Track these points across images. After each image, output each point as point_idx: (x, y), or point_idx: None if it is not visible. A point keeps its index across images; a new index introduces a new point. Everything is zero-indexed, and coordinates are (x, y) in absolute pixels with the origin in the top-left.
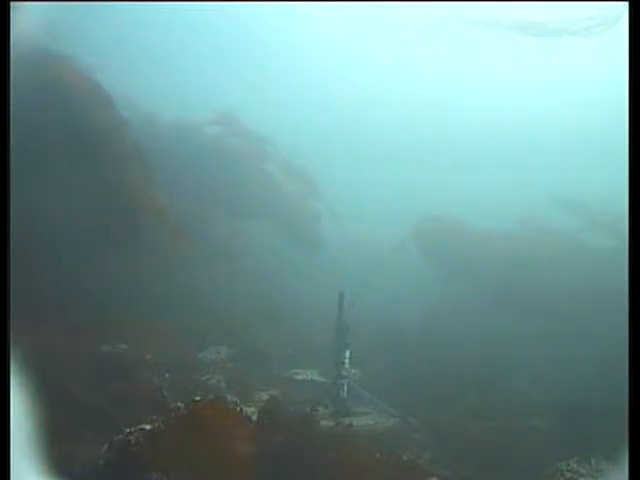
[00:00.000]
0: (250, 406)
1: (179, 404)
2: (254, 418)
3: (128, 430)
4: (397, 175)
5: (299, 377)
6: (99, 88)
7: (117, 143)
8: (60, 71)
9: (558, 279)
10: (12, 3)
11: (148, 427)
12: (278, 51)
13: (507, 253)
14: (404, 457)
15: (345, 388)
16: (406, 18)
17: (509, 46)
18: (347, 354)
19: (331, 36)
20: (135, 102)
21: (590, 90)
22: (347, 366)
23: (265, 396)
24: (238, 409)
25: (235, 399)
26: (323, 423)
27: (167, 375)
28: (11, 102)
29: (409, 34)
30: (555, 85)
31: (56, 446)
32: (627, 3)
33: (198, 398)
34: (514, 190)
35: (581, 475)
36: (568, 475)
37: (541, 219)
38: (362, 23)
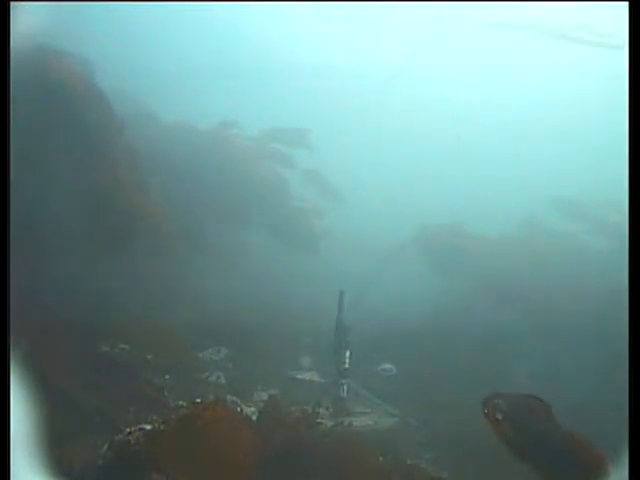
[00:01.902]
0: (250, 406)
1: (180, 403)
2: (254, 418)
3: (128, 430)
4: (398, 177)
5: (299, 377)
6: (96, 89)
7: (111, 145)
8: (57, 71)
9: (559, 280)
10: (12, 3)
11: (148, 427)
12: (280, 52)
13: (508, 255)
14: (408, 461)
15: (345, 388)
16: (412, 19)
17: (509, 47)
18: (347, 354)
19: (338, 38)
20: (135, 103)
21: (592, 92)
22: (347, 366)
23: (265, 396)
24: (238, 409)
25: (235, 399)
26: (323, 423)
27: (167, 376)
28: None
29: (415, 35)
30: (556, 87)
31: (56, 446)
32: (627, 3)
33: (199, 400)
34: (515, 192)
35: None
36: None
37: (543, 221)
38: (368, 24)
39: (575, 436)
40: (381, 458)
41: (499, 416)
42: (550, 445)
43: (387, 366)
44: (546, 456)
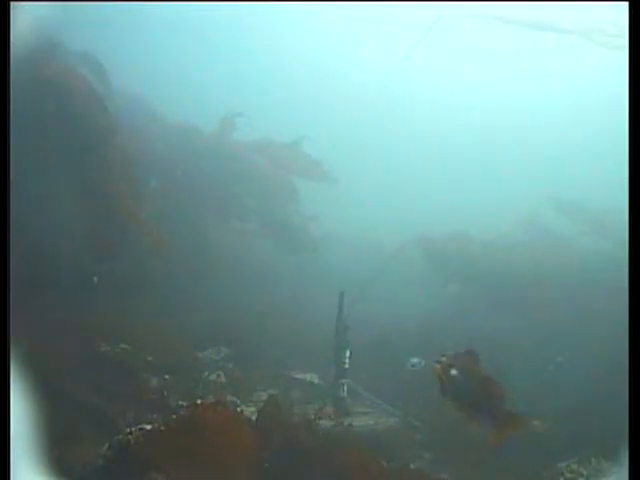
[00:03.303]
0: (250, 406)
1: (180, 403)
2: (254, 418)
3: (128, 430)
4: (399, 179)
5: (299, 377)
6: (93, 90)
7: (105, 150)
8: (56, 73)
9: (559, 282)
10: (12, 3)
11: (148, 427)
12: (278, 52)
13: (507, 256)
14: (412, 466)
15: (345, 388)
16: (407, 17)
17: (507, 46)
18: (347, 354)
19: (331, 37)
20: (138, 103)
21: (592, 92)
22: (347, 366)
23: (265, 396)
24: (239, 409)
25: (235, 399)
26: (323, 423)
27: (167, 377)
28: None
29: (410, 33)
30: (557, 87)
31: (56, 446)
32: (627, 3)
33: (199, 401)
34: (515, 193)
35: (581, 475)
36: (569, 476)
37: (542, 223)
38: (362, 23)
39: (488, 378)
40: (385, 463)
41: (438, 366)
42: (470, 388)
43: (415, 360)
44: (466, 396)
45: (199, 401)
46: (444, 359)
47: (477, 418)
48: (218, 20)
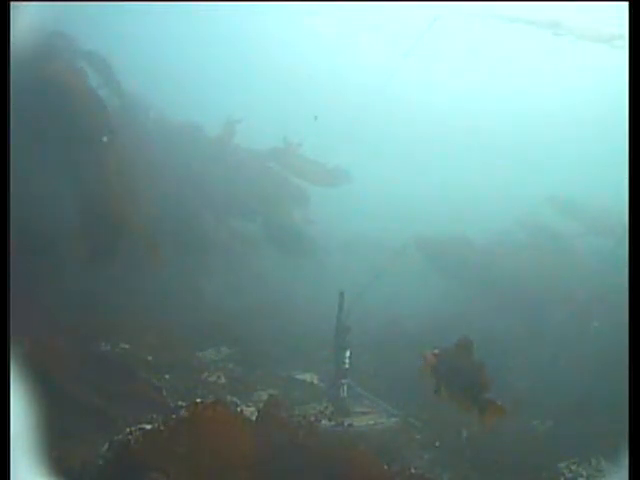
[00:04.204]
0: (250, 406)
1: (180, 403)
2: (254, 418)
3: (128, 430)
4: (399, 180)
5: (299, 377)
6: (94, 90)
7: (103, 149)
8: (55, 73)
9: (559, 282)
10: (12, 3)
11: (148, 427)
12: (277, 53)
13: (507, 256)
14: (413, 470)
15: (345, 388)
16: (406, 17)
17: (507, 46)
18: (347, 354)
19: (331, 37)
20: (137, 103)
21: (592, 92)
22: (347, 366)
23: (265, 396)
24: (238, 409)
25: (235, 399)
26: (323, 423)
27: (167, 376)
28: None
29: (409, 33)
30: (557, 86)
31: (56, 446)
32: (627, 3)
33: (199, 400)
34: (515, 193)
35: (581, 476)
36: (569, 476)
37: (542, 223)
38: (362, 24)
39: (478, 367)
40: (385, 464)
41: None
42: (461, 377)
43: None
44: (457, 382)
45: (199, 401)
46: (436, 352)
47: (469, 406)
48: (218, 20)
